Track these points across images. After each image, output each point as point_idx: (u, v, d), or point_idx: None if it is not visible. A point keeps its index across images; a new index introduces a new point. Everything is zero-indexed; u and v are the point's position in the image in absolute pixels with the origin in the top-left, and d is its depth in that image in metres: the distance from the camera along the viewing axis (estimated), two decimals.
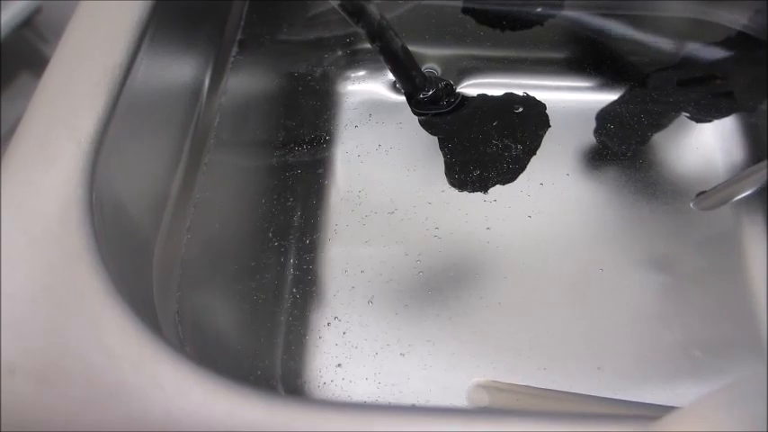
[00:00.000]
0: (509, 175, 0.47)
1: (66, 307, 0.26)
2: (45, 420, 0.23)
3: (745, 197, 0.43)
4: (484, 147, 0.48)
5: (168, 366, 0.24)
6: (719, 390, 0.20)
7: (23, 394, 0.24)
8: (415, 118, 0.49)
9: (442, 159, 0.48)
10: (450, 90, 0.48)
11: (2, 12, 0.54)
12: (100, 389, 0.24)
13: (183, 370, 0.24)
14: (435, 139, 0.49)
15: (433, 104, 0.48)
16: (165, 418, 0.23)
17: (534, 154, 0.48)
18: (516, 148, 0.48)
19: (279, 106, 0.49)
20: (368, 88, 0.52)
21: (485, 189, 0.47)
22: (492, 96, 0.50)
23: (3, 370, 0.24)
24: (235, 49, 0.46)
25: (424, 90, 0.47)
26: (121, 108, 0.31)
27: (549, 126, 0.49)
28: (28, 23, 0.56)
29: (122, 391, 0.24)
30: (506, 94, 0.50)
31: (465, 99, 0.50)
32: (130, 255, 0.31)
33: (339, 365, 0.41)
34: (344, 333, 0.42)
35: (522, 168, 0.47)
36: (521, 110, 0.50)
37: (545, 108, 0.50)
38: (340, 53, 0.53)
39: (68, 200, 0.28)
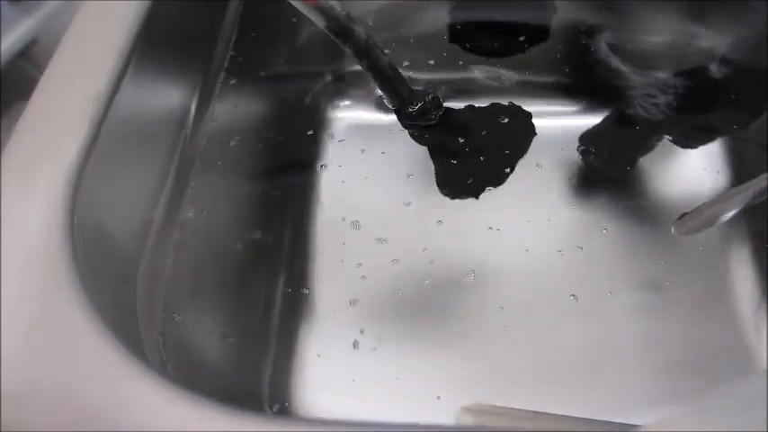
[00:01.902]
0: (499, 180, 0.48)
1: (44, 329, 0.26)
2: None
3: (729, 219, 0.43)
4: (473, 155, 0.49)
5: (144, 385, 0.25)
6: (689, 409, 0.20)
7: (7, 414, 0.24)
8: (404, 140, 0.50)
9: (429, 178, 0.49)
10: (437, 103, 0.49)
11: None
12: (76, 410, 0.24)
13: (160, 389, 0.24)
14: (423, 159, 0.49)
15: (422, 117, 0.49)
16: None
17: (522, 157, 0.48)
18: (504, 154, 0.49)
19: (267, 132, 0.50)
20: (356, 113, 0.52)
21: (476, 195, 0.47)
22: (478, 107, 0.51)
23: None
24: (222, 77, 0.46)
25: (412, 104, 0.48)
26: (104, 134, 0.32)
27: (536, 134, 0.50)
28: (24, 54, 0.57)
29: (97, 411, 0.24)
30: (492, 104, 0.51)
31: (453, 111, 0.50)
32: (113, 277, 0.31)
33: (327, 387, 0.41)
34: (333, 354, 0.42)
35: (511, 170, 0.48)
36: (507, 120, 0.50)
37: (531, 117, 0.50)
38: (329, 79, 0.54)
39: (49, 224, 0.28)
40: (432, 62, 0.53)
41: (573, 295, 0.44)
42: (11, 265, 0.28)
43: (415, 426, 0.26)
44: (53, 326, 0.26)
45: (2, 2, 0.55)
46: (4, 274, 0.27)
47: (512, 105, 0.51)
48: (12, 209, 0.29)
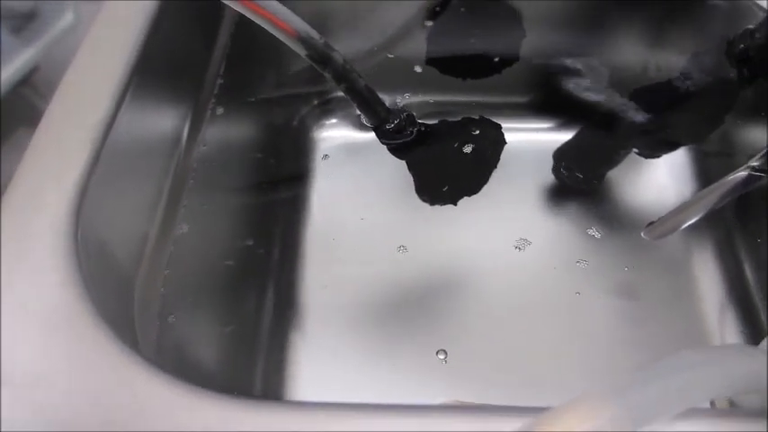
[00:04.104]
0: (474, 188, 0.51)
1: (52, 328, 0.29)
2: (34, 419, 0.27)
3: (693, 226, 0.45)
4: (448, 165, 0.51)
5: (141, 375, 0.28)
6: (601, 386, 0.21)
7: (18, 399, 0.27)
8: (386, 155, 0.51)
9: (410, 190, 0.51)
10: (411, 120, 0.51)
11: (2, 70, 0.57)
12: (81, 395, 0.27)
13: (154, 377, 0.27)
14: (404, 171, 0.52)
15: (398, 134, 0.51)
16: (136, 417, 0.27)
17: (495, 167, 0.51)
18: (478, 163, 0.51)
19: (256, 153, 0.53)
20: (341, 132, 0.56)
21: (454, 202, 0.50)
22: (451, 121, 0.54)
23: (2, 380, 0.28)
24: (212, 103, 0.48)
25: (389, 122, 0.50)
26: (105, 158, 0.35)
27: (506, 143, 0.52)
28: (26, 81, 0.60)
29: (100, 396, 0.27)
30: (464, 118, 0.54)
31: (427, 126, 0.53)
32: (113, 287, 0.34)
33: (315, 388, 0.44)
34: (322, 359, 0.45)
35: (485, 181, 0.51)
36: (478, 132, 0.53)
37: (500, 127, 0.53)
38: (315, 103, 0.57)
39: (56, 238, 0.31)
40: (410, 85, 0.56)
41: (548, 299, 0.46)
42: (24, 274, 0.31)
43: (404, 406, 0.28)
44: (61, 325, 0.29)
45: (2, 33, 0.57)
46: (19, 281, 0.31)
47: (482, 118, 0.54)
48: (23, 225, 0.32)
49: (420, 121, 0.52)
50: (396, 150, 0.52)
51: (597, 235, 0.49)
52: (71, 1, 0.63)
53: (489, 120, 0.54)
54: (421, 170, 0.51)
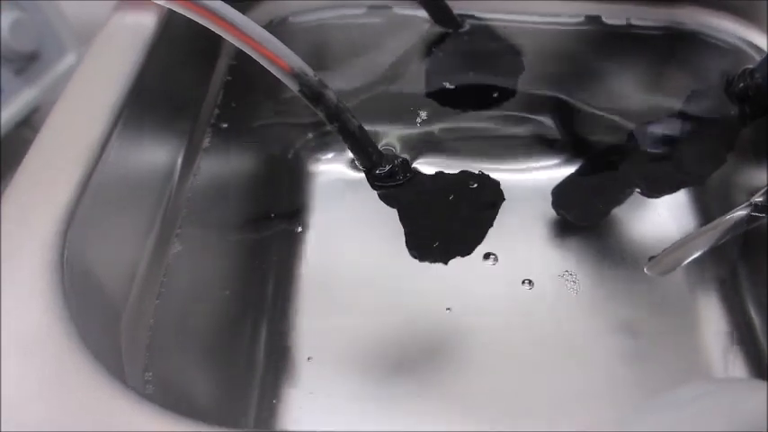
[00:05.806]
0: (468, 248, 0.49)
1: (31, 353, 0.28)
2: None
3: (695, 262, 0.45)
4: (442, 220, 0.50)
5: (126, 404, 0.27)
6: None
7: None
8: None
9: None
10: (406, 166, 0.50)
11: (2, 111, 0.58)
12: (58, 424, 0.26)
13: (138, 407, 0.27)
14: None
15: (390, 179, 0.50)
16: None
17: (491, 225, 0.50)
18: (473, 221, 0.50)
19: (251, 185, 0.52)
20: (336, 168, 0.55)
21: (445, 260, 0.49)
22: (448, 173, 0.52)
23: None
24: (208, 132, 0.48)
25: (381, 166, 0.49)
26: (95, 182, 0.35)
27: (504, 199, 0.51)
28: (26, 121, 0.60)
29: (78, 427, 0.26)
30: (462, 172, 0.52)
31: (422, 175, 0.52)
32: (99, 315, 0.34)
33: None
34: (315, 402, 0.43)
35: (480, 240, 0.49)
36: (476, 186, 0.52)
37: (499, 185, 0.52)
38: (310, 136, 0.56)
39: (42, 261, 0.31)
40: (407, 117, 0.55)
41: (550, 338, 0.45)
42: (6, 298, 0.30)
43: None
44: (41, 350, 0.28)
45: (4, 73, 0.58)
46: (2, 305, 0.30)
47: (481, 173, 0.52)
48: (7, 249, 0.32)
49: (414, 167, 0.52)
50: (386, 197, 0.50)
51: (598, 271, 0.49)
52: (73, 43, 0.65)
53: (488, 176, 0.53)
54: (412, 222, 0.50)
